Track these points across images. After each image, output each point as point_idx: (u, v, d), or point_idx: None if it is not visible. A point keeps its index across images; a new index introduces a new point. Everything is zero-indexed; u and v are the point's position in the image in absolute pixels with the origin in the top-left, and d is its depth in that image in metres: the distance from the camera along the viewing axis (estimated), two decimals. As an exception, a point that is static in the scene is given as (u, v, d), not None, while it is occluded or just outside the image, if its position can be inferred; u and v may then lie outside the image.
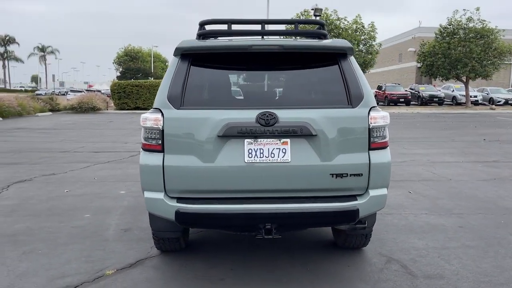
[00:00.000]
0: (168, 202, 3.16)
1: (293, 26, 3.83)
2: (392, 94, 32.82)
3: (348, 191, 3.26)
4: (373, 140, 3.26)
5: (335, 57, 3.38)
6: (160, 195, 3.19)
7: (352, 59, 3.43)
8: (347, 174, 3.20)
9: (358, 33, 28.87)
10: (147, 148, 3.24)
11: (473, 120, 20.99)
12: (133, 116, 22.45)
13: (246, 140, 3.14)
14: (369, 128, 3.23)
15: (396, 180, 7.34)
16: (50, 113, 25.79)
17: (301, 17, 29.54)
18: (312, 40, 3.68)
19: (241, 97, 3.48)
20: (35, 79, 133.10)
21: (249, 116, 3.11)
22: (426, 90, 34.50)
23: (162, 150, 3.18)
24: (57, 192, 6.49)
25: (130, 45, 61.17)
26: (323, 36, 3.77)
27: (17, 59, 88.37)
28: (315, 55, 3.44)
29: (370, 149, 3.25)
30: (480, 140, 13.05)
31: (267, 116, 3.11)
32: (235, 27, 3.82)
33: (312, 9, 30.04)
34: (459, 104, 33.22)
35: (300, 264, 3.84)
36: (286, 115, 3.14)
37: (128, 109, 27.26)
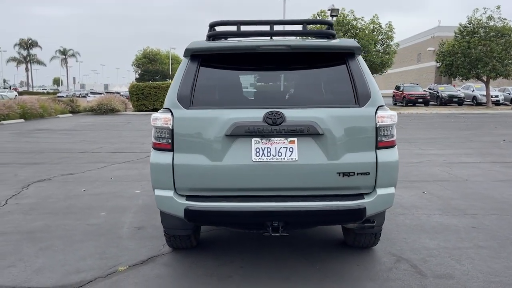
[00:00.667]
0: (177, 199, 3.24)
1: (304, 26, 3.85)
2: (410, 94, 32.43)
3: (356, 189, 3.27)
4: (381, 139, 3.27)
5: (343, 56, 3.41)
6: (170, 193, 3.26)
7: (360, 58, 3.45)
8: (354, 172, 3.22)
9: (375, 33, 28.64)
10: (158, 147, 3.31)
11: (493, 120, 20.62)
12: (150, 118, 22.68)
13: (253, 139, 3.19)
14: (376, 127, 3.25)
15: (411, 180, 7.30)
16: (71, 114, 26.33)
17: (318, 18, 29.45)
18: (320, 40, 3.70)
19: (249, 97, 3.52)
20: (57, 81, 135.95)
21: (256, 115, 3.16)
22: (445, 90, 34.00)
23: (172, 149, 3.26)
24: (75, 191, 6.64)
25: (149, 47, 61.90)
26: (332, 36, 3.79)
27: (39, 62, 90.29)
28: (323, 55, 3.47)
29: (377, 148, 3.27)
30: (499, 140, 12.83)
31: (274, 115, 3.15)
32: (245, 28, 3.88)
33: (329, 10, 29.99)
34: (479, 104, 32.62)
35: (309, 262, 3.87)
36: (293, 114, 3.18)
37: (146, 111, 27.60)
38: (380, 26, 28.84)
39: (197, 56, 3.41)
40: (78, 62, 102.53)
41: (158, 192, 3.30)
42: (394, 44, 29.40)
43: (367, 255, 4.04)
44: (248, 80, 3.59)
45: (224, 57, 3.45)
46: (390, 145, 3.32)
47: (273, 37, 3.73)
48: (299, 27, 3.84)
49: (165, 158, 3.26)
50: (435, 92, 34.17)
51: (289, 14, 30.70)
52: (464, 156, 10.02)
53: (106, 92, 54.86)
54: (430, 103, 33.42)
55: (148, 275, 3.65)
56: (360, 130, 3.25)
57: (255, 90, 3.59)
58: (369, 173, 3.24)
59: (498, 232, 4.66)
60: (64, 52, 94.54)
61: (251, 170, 3.19)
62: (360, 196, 3.26)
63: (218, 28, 3.93)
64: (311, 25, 4.21)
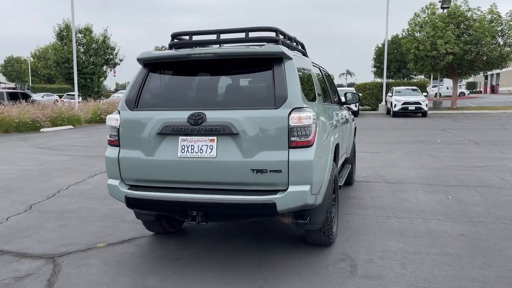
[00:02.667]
0: (121, 188, 3.80)
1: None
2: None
3: (270, 186, 3.47)
4: (293, 139, 3.42)
5: (269, 61, 3.63)
6: (116, 182, 3.84)
7: (288, 63, 3.62)
8: (266, 170, 3.43)
9: (493, 24, 25.93)
10: (110, 143, 3.92)
11: None
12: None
13: (180, 138, 3.60)
14: (288, 128, 3.41)
15: (449, 185, 6.89)
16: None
17: (426, 11, 27.76)
18: (248, 47, 3.92)
19: (181, 100, 3.90)
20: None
21: (181, 116, 3.57)
22: None
23: (118, 145, 3.83)
24: (125, 181, 7.65)
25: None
26: (276, 42, 3.97)
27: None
28: (248, 61, 3.73)
29: (290, 147, 3.43)
30: None
31: (196, 116, 3.53)
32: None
33: (440, 1, 28.09)
34: None
35: (256, 254, 4.12)
36: (213, 115, 3.52)
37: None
38: (499, 16, 26.02)
39: (147, 65, 3.93)
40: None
41: (109, 181, 3.91)
42: (517, 35, 26.24)
43: (318, 252, 4.14)
44: (182, 84, 3.97)
45: (166, 65, 3.93)
46: (304, 145, 3.44)
47: (222, 45, 4.06)
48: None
49: (114, 152, 3.85)
50: None
51: (394, 8, 29.21)
52: (545, 161, 8.92)
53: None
54: None
55: (116, 252, 4.28)
56: (273, 130, 3.45)
57: (187, 93, 3.95)
58: (281, 171, 3.42)
59: (484, 241, 4.34)
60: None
61: (177, 165, 3.61)
62: (273, 192, 3.45)
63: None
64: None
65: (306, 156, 3.44)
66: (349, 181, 6.82)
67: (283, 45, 4.04)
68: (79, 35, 28.89)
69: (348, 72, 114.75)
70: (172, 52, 3.90)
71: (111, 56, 29.99)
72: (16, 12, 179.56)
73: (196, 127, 3.52)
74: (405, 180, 7.33)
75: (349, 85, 54.58)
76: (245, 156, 3.47)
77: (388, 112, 26.04)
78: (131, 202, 3.75)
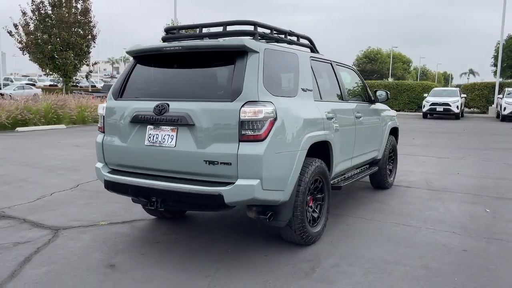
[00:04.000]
0: (102, 171, 4.12)
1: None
2: None
3: (221, 178, 3.49)
4: (243, 133, 3.39)
5: (233, 55, 3.63)
6: (100, 166, 4.17)
7: (252, 56, 3.58)
8: (218, 162, 3.46)
9: None
10: (99, 130, 4.26)
11: None
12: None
13: (148, 126, 3.80)
14: (240, 121, 3.39)
15: (502, 197, 6.14)
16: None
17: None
18: (213, 40, 3.92)
19: (152, 91, 4.07)
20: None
21: (149, 106, 3.76)
22: None
23: (103, 132, 4.16)
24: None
25: (370, 47, 62.07)
26: (252, 35, 3.93)
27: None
28: (215, 54, 3.76)
29: (240, 140, 3.41)
30: None
31: (160, 106, 3.68)
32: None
33: None
34: None
35: (230, 247, 4.15)
36: (174, 106, 3.65)
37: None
38: None
39: (135, 57, 4.20)
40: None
41: (96, 164, 4.25)
42: None
43: (291, 251, 4.02)
44: (156, 76, 4.12)
45: (147, 57, 4.14)
46: (256, 139, 3.39)
47: (204, 39, 4.15)
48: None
49: (100, 138, 4.19)
50: None
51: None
52: None
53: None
54: None
55: (110, 230, 4.63)
56: (225, 123, 3.45)
57: (159, 84, 4.07)
58: (231, 164, 3.42)
59: (485, 260, 3.83)
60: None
61: (144, 153, 3.81)
62: (222, 184, 3.46)
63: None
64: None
65: (255, 150, 3.40)
66: (382, 185, 6.43)
67: (263, 38, 4.03)
68: (185, 33, 30.85)
69: (471, 72, 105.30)
70: (150, 45, 4.10)
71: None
72: (148, 13, 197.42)
73: (159, 117, 3.68)
74: (452, 188, 6.66)
75: (457, 85, 50.17)
76: (199, 147, 3.54)
77: (498, 115, 23.46)
78: (107, 185, 4.05)
